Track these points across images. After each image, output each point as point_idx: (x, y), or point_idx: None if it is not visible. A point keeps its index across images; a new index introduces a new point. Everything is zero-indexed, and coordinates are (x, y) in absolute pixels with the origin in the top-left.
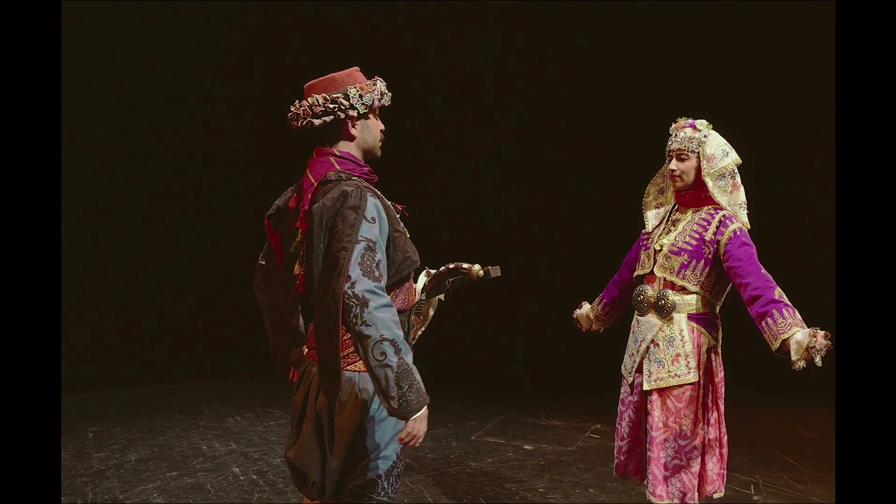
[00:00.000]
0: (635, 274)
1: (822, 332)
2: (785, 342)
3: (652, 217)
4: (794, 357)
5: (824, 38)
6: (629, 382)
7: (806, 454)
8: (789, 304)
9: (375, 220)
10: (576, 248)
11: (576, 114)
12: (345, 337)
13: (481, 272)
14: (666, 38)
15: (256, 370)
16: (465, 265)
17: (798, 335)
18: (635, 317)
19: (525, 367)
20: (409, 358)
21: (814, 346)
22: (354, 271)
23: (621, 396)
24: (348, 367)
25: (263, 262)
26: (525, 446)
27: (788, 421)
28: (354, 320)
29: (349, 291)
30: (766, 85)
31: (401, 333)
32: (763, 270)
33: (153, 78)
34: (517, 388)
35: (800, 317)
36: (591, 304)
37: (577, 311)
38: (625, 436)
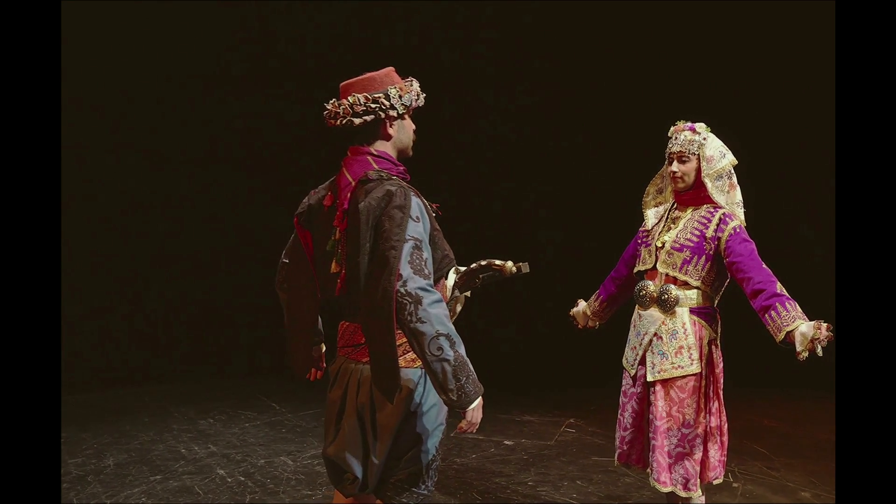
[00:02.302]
0: (636, 270)
1: (826, 325)
2: (789, 334)
3: (651, 215)
4: (798, 348)
5: (825, 38)
6: (631, 375)
7: (773, 443)
8: (790, 297)
9: (419, 218)
10: (549, 248)
11: (574, 118)
12: None
13: (514, 269)
14: (667, 43)
15: (221, 372)
16: (498, 262)
17: (802, 327)
18: (637, 311)
19: (494, 363)
20: (462, 350)
21: (817, 338)
22: (405, 270)
23: (623, 388)
24: None
25: (287, 260)
26: (505, 441)
27: (748, 411)
28: (409, 318)
29: (402, 290)
30: (766, 85)
31: (453, 327)
32: (764, 265)
33: (148, 79)
34: (485, 385)
35: (801, 310)
36: (586, 301)
37: (574, 309)
38: (628, 426)
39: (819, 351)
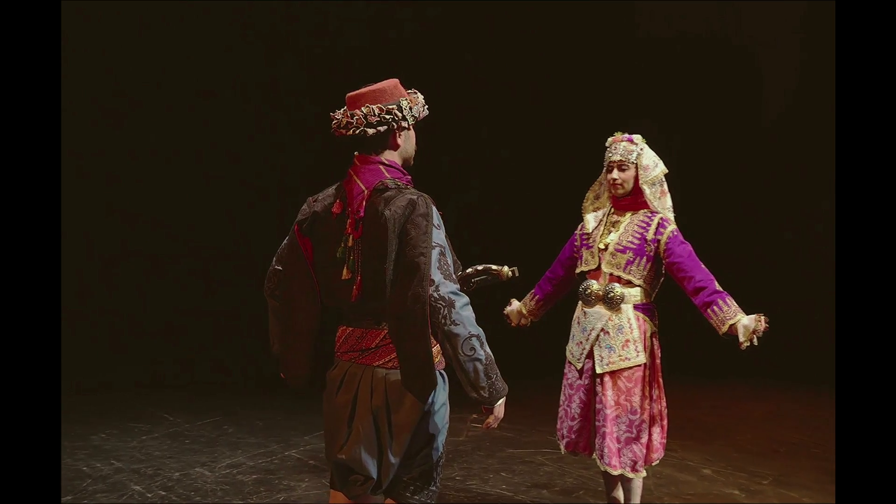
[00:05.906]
0: (578, 270)
1: (765, 317)
2: (732, 326)
3: (591, 219)
4: (741, 339)
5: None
6: (577, 368)
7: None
8: (728, 293)
9: (440, 226)
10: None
11: (511, 126)
12: (380, 338)
13: (509, 273)
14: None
15: (88, 384)
16: (495, 267)
17: (744, 320)
18: (581, 308)
19: None
20: (489, 349)
21: (758, 330)
22: (436, 275)
23: (569, 381)
24: None
25: (280, 268)
26: None
27: None
28: (444, 321)
29: (435, 294)
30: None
31: (480, 328)
32: (702, 265)
33: (148, 81)
34: None
35: (737, 304)
36: (519, 301)
37: (508, 308)
38: (576, 416)
39: (755, 341)
